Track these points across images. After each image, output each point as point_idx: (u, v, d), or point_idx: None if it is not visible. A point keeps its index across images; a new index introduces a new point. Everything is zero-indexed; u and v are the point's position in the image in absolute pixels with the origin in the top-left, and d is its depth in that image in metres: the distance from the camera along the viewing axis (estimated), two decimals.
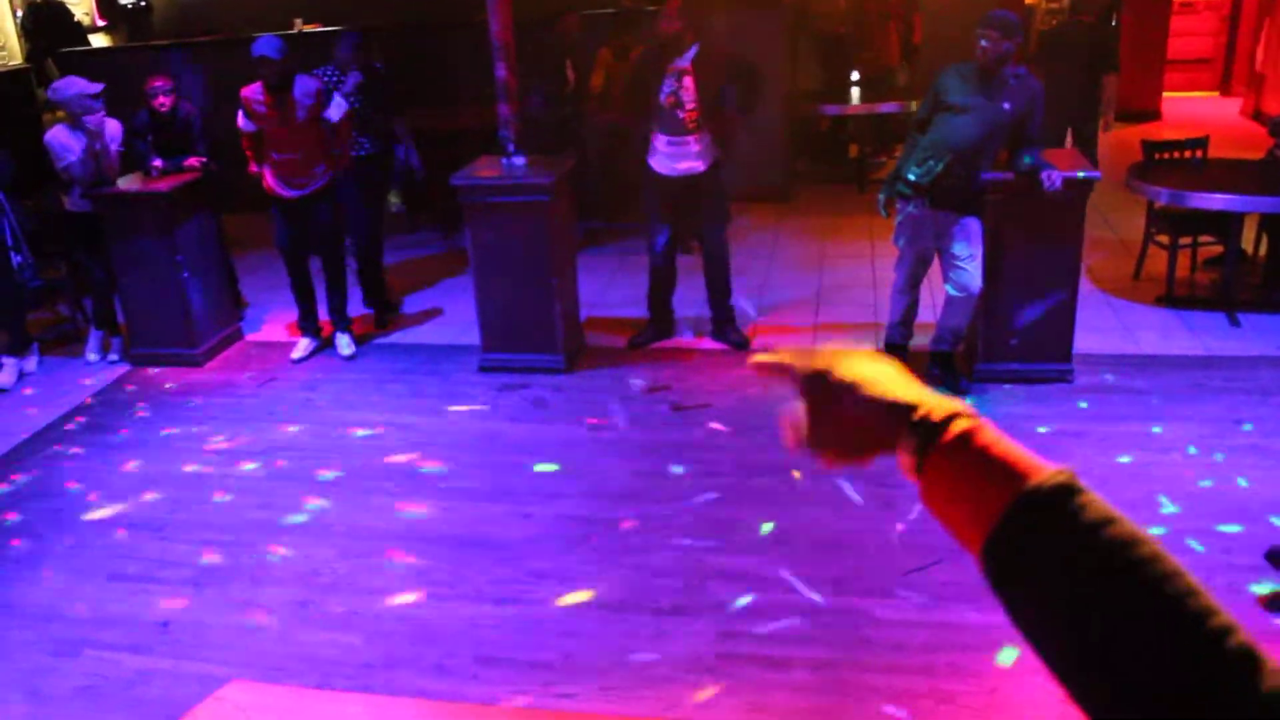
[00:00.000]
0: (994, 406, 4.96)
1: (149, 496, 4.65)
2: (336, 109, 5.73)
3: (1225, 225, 5.90)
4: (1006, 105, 4.70)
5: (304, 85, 5.65)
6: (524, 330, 5.62)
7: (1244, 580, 3.56)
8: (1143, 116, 11.09)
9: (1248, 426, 4.61)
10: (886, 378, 0.91)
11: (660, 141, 5.49)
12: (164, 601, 3.87)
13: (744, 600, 3.65)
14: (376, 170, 6.36)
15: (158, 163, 5.98)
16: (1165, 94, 11.51)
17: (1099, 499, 0.77)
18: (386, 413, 5.32)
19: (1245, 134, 9.87)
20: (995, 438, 0.83)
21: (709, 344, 5.88)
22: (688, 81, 5.35)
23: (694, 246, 6.42)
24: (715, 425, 4.95)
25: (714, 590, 3.72)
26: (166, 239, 5.83)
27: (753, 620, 3.54)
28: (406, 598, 3.80)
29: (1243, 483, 4.17)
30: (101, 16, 13.45)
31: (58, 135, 5.78)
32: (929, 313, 5.47)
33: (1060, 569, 0.74)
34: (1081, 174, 4.88)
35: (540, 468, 4.68)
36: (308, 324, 6.11)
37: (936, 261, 5.08)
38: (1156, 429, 4.65)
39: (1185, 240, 6.23)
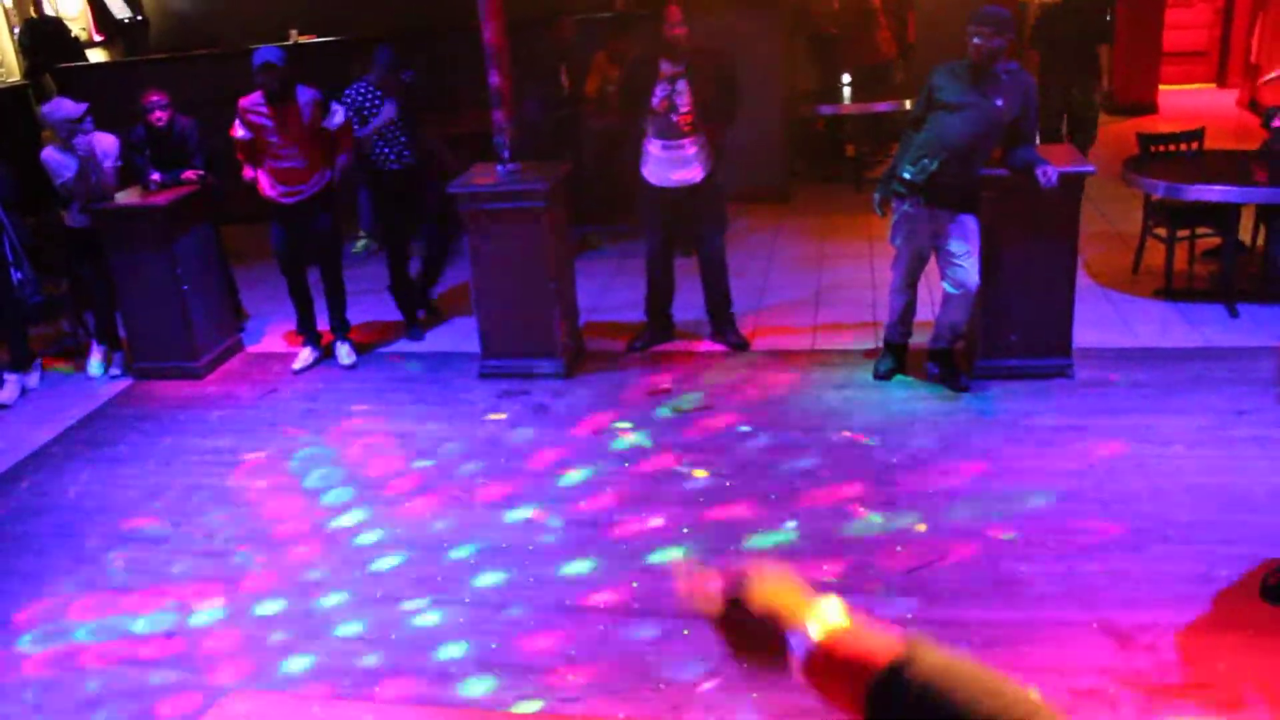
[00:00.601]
0: (994, 403, 4.97)
1: (152, 509, 4.67)
2: (337, 116, 5.77)
3: (1223, 217, 5.90)
4: (1000, 102, 4.71)
5: (305, 94, 5.69)
6: (523, 336, 5.63)
7: (1244, 570, 3.56)
8: (1140, 110, 11.09)
9: (1248, 417, 4.60)
10: (773, 597, 1.11)
11: (655, 146, 5.49)
12: (168, 612, 3.89)
13: None
14: (419, 179, 6.31)
15: (155, 176, 6.00)
16: (1162, 87, 11.50)
17: (924, 668, 0.96)
18: (387, 421, 5.34)
19: (1241, 125, 9.86)
20: (846, 640, 1.05)
21: (709, 346, 5.89)
22: (682, 85, 5.36)
23: (693, 250, 6.43)
24: (716, 427, 4.95)
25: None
26: (166, 252, 5.85)
27: None
28: (409, 604, 3.81)
29: (1243, 474, 4.17)
30: (98, 32, 13.49)
31: (53, 153, 5.81)
32: (927, 311, 5.47)
33: None
34: (1077, 169, 4.88)
35: (540, 472, 4.69)
36: (307, 332, 6.12)
37: (934, 259, 5.09)
38: (1157, 422, 4.65)
39: (1183, 233, 6.23)
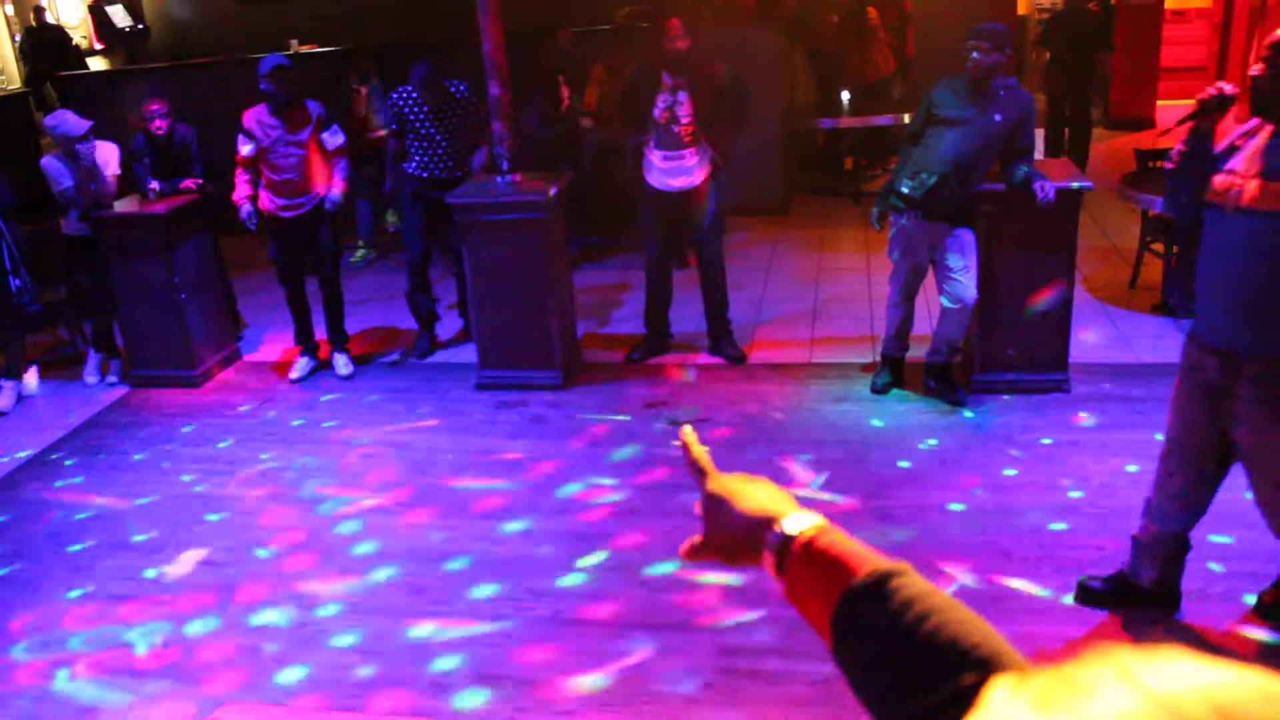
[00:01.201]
0: (991, 417, 4.97)
1: (147, 518, 4.66)
2: (337, 138, 5.79)
3: None
4: (998, 117, 4.72)
5: (312, 105, 5.73)
6: (521, 347, 5.63)
7: (1239, 589, 3.56)
8: (1138, 125, 11.12)
9: None
10: (755, 493, 1.08)
11: (656, 157, 5.52)
12: (162, 622, 3.88)
13: (743, 616, 3.65)
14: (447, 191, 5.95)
15: (155, 185, 6.00)
16: (1160, 102, 11.54)
17: (909, 585, 0.89)
18: (384, 431, 5.33)
19: None
20: (833, 541, 0.97)
21: (706, 358, 5.89)
22: (683, 96, 5.38)
23: (691, 260, 6.44)
24: (713, 439, 4.95)
25: (713, 605, 3.72)
26: (164, 261, 5.86)
27: (751, 635, 3.54)
28: (404, 616, 3.80)
29: (1240, 489, 4.16)
30: (99, 40, 13.52)
31: (52, 161, 5.82)
32: (925, 325, 5.48)
33: (872, 643, 0.88)
34: (1075, 184, 4.89)
35: (538, 484, 4.68)
36: (304, 341, 6.12)
37: (931, 273, 5.10)
38: (1155, 437, 4.64)
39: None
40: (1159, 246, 6.21)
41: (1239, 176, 2.98)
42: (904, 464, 4.60)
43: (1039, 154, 5.28)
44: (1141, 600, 3.49)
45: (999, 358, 5.17)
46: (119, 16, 12.94)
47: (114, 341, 6.30)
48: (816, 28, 9.79)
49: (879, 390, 5.29)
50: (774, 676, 3.33)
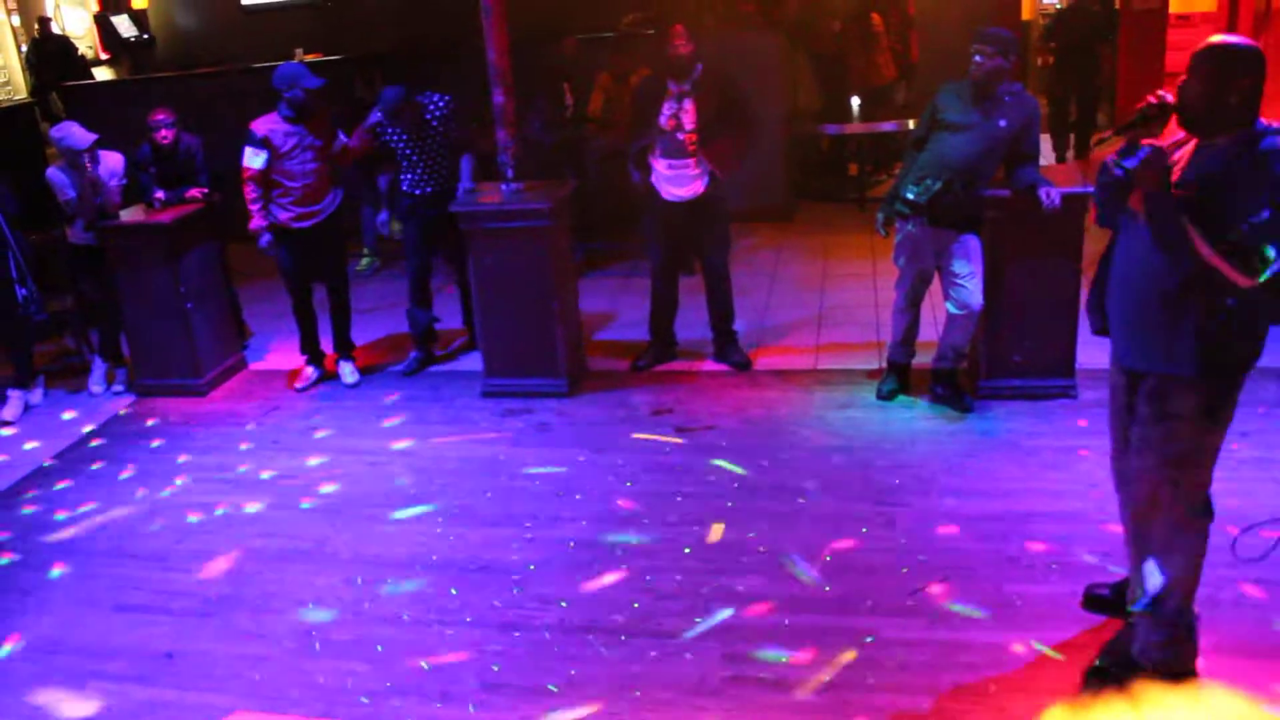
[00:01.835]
0: (998, 423, 4.96)
1: (153, 527, 4.66)
2: (339, 142, 5.81)
3: None
4: (1003, 123, 4.72)
5: (330, 114, 5.77)
6: (526, 355, 5.63)
7: (1248, 593, 3.54)
8: None
9: (1250, 439, 4.58)
10: None
11: (661, 165, 5.52)
12: (169, 631, 3.87)
13: (748, 622, 3.64)
14: (440, 206, 5.91)
15: (160, 194, 6.02)
16: None
17: None
18: (390, 440, 5.33)
19: None
20: None
21: (711, 365, 5.89)
22: (688, 104, 5.39)
23: (696, 268, 6.43)
24: (718, 446, 4.95)
25: (718, 613, 3.71)
26: (170, 270, 5.87)
27: (757, 642, 3.53)
28: (411, 625, 3.80)
29: (1247, 496, 4.15)
30: (105, 50, 13.56)
31: (57, 172, 5.84)
32: (931, 331, 5.47)
33: None
34: (1079, 190, 4.88)
35: (544, 492, 4.68)
36: (310, 350, 6.12)
37: (937, 279, 5.09)
38: None
39: None
40: None
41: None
42: (910, 470, 4.59)
43: (1046, 159, 5.27)
44: None
45: (1005, 363, 5.16)
46: (124, 26, 12.99)
47: (120, 351, 6.32)
48: (818, 33, 9.80)
49: (885, 397, 5.28)
50: (780, 683, 3.32)
